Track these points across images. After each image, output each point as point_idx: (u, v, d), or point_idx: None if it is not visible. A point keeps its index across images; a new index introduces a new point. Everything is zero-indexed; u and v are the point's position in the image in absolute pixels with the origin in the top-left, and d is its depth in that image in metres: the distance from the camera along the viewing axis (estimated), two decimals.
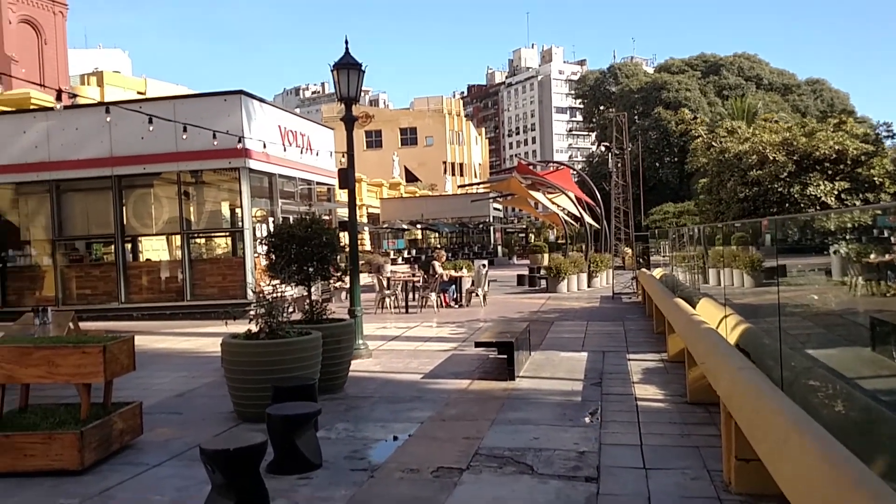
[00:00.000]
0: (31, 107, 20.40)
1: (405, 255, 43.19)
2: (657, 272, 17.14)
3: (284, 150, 18.38)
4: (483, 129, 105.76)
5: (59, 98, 11.52)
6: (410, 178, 69.07)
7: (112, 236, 17.54)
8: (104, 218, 17.64)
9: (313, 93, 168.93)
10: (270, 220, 18.04)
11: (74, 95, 14.62)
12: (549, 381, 8.84)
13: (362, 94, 11.41)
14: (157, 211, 18.50)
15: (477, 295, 18.95)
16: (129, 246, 18.21)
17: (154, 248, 19.93)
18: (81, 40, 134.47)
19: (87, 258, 18.52)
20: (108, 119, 15.03)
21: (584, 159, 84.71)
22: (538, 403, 7.67)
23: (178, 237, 17.59)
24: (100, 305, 17.21)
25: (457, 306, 18.58)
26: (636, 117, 64.15)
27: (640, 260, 22.23)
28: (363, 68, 10.89)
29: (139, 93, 61.74)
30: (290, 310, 8.00)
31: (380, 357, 11.00)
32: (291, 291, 9.18)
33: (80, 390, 6.07)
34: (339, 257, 9.40)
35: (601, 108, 72.62)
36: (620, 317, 15.49)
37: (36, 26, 52.65)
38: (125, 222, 17.66)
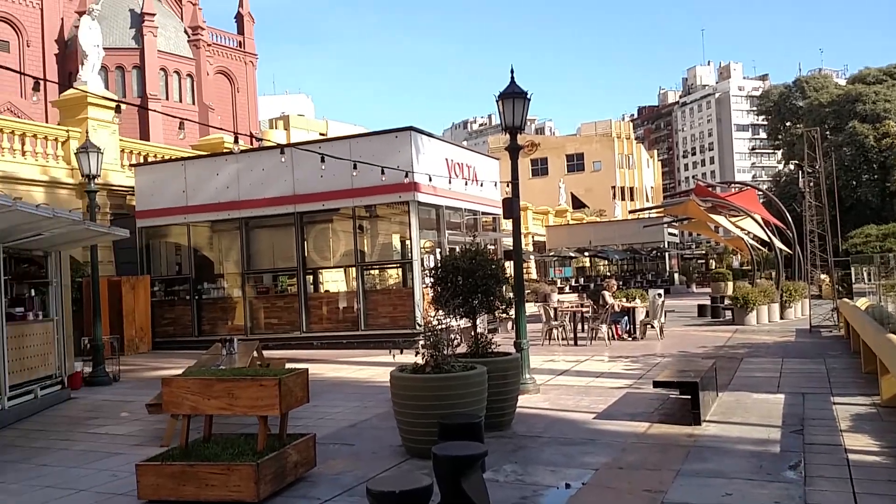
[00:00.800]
0: (224, 150, 22.26)
1: (573, 283, 42.32)
2: (862, 302, 15.28)
3: (451, 182, 18.61)
4: (655, 152, 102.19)
5: (235, 141, 12.37)
6: (577, 204, 68.03)
7: (295, 269, 18.57)
8: (288, 252, 18.74)
9: (480, 125, 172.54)
10: (437, 250, 18.27)
11: (260, 139, 15.70)
12: (740, 426, 7.97)
13: (528, 122, 11.19)
14: (334, 244, 19.40)
15: (652, 327, 17.94)
16: (310, 278, 19.20)
17: (332, 280, 20.91)
18: (270, 87, 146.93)
19: (272, 290, 19.74)
20: (283, 159, 15.99)
21: (770, 179, 79.11)
22: (729, 453, 6.90)
23: (354, 269, 18.28)
24: (283, 335, 18.21)
25: (630, 339, 17.68)
26: (827, 133, 58.93)
27: (841, 288, 20.03)
28: (528, 96, 10.68)
29: (321, 134, 65.98)
30: (456, 342, 7.84)
31: (548, 393, 10.57)
32: (457, 323, 9.05)
33: (258, 422, 6.25)
34: (504, 288, 9.16)
35: (787, 124, 67.56)
36: (821, 353, 13.92)
37: (230, 76, 58.18)
38: (306, 256, 18.65)
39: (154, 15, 48.78)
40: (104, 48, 24.39)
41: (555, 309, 18.79)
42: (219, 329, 18.95)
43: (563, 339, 17.76)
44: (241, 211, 18.72)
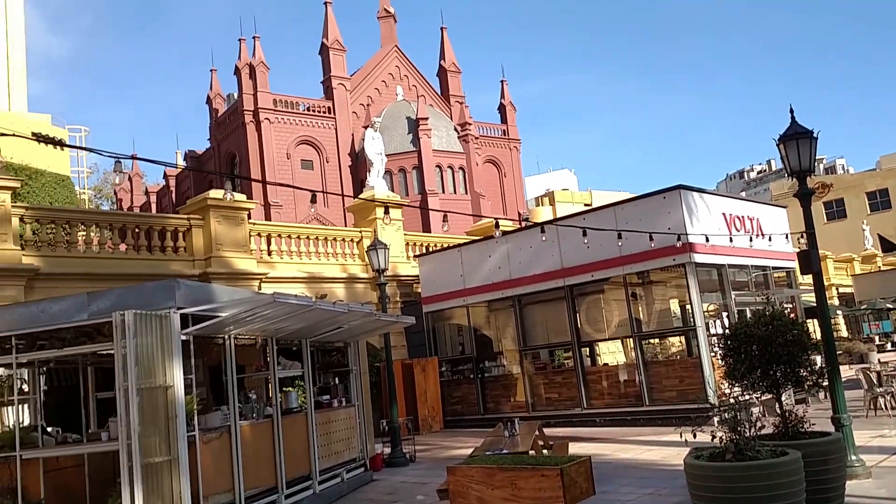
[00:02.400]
0: (494, 233, 23.10)
1: (895, 339, 36.28)
2: None
3: (731, 238, 17.17)
4: None
5: (496, 226, 12.65)
6: (888, 247, 59.11)
7: (570, 343, 18.30)
8: (561, 326, 18.58)
9: (759, 172, 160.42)
10: (724, 314, 16.78)
11: (526, 219, 16.00)
12: None
13: (816, 163, 9.90)
14: (607, 315, 18.83)
15: None
16: (585, 351, 18.77)
17: (609, 352, 20.21)
18: (534, 167, 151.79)
19: (549, 365, 19.63)
20: (544, 238, 16.08)
21: None
22: None
23: (631, 339, 17.50)
24: (564, 411, 17.87)
25: None
26: None
27: None
28: (814, 135, 9.49)
29: (586, 205, 66.00)
30: (760, 424, 6.85)
31: (883, 477, 8.82)
32: (757, 396, 7.99)
33: None
34: (811, 356, 7.93)
35: None
36: None
37: (496, 163, 61.30)
38: (579, 328, 18.31)
39: (427, 119, 53.55)
40: (386, 154, 27.16)
41: (877, 372, 16.08)
42: (502, 406, 19.21)
43: (892, 408, 15.04)
44: (514, 289, 19.07)
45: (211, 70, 59.49)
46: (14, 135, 6.65)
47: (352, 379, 12.87)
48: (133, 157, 7.23)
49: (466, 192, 55.09)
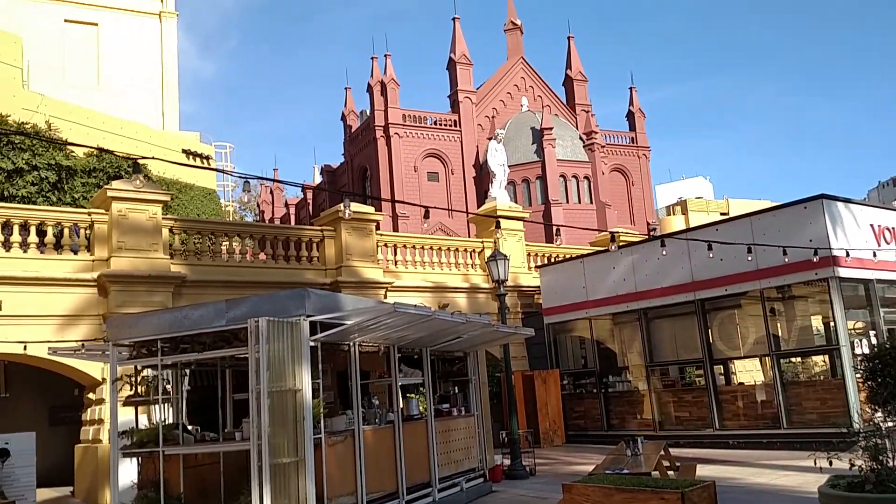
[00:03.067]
0: (620, 244, 22.56)
1: None
2: None
3: (875, 252, 15.86)
4: None
5: (612, 240, 12.33)
6: None
7: (700, 360, 17.51)
8: (691, 342, 17.83)
9: None
10: (872, 333, 15.50)
11: (654, 229, 15.54)
12: None
13: None
14: (743, 331, 17.87)
15: None
16: (718, 369, 17.89)
17: (745, 370, 19.15)
18: (665, 175, 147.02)
19: (678, 382, 18.87)
20: (664, 252, 15.51)
21: None
22: None
23: (768, 358, 16.51)
24: (694, 431, 17.11)
25: None
26: None
27: None
28: None
29: (721, 213, 63.09)
30: None
31: None
32: None
33: None
34: None
35: None
36: None
37: (624, 172, 59.83)
38: (712, 345, 17.49)
39: (552, 128, 53.22)
40: (510, 165, 27.26)
41: None
42: (627, 423, 18.66)
43: None
44: (640, 302, 18.52)
45: (346, 88, 62.11)
46: (165, 160, 7.24)
47: (471, 388, 12.96)
48: (260, 178, 7.71)
49: (591, 202, 54.18)
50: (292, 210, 70.46)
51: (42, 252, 14.56)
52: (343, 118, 61.02)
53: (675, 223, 56.14)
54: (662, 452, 10.76)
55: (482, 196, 50.56)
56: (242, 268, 17.00)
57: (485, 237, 22.20)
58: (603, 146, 57.48)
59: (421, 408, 11.40)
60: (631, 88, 61.83)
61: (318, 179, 68.87)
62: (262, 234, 17.99)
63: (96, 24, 29.75)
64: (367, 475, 8.94)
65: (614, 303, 19.19)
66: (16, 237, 14.28)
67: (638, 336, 18.93)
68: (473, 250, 21.92)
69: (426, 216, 11.46)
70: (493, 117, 56.06)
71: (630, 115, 61.76)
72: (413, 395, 11.87)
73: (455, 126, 54.40)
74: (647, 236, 21.79)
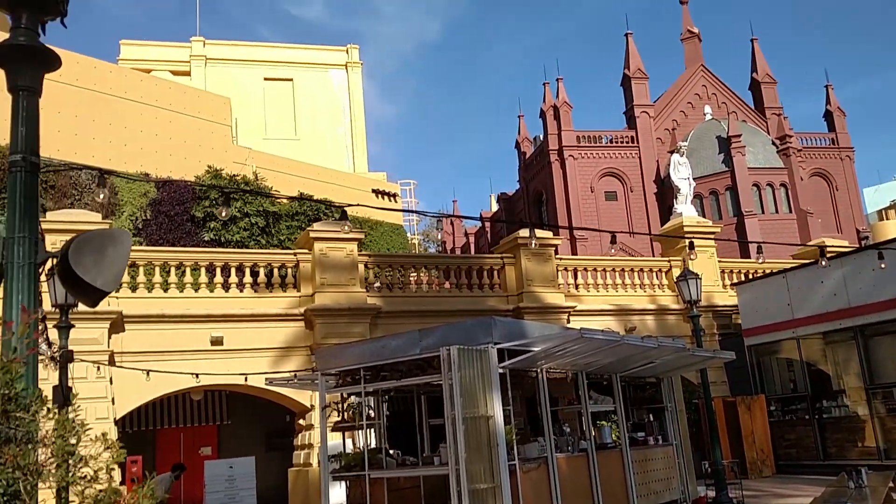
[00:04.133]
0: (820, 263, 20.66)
1: None
2: None
3: None
4: None
5: (822, 255, 11.30)
6: None
7: None
8: None
9: None
10: None
11: (865, 237, 14.12)
12: None
13: None
14: None
15: None
16: None
17: None
18: (874, 177, 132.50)
19: None
20: (883, 266, 13.93)
21: None
22: None
23: None
24: None
25: None
26: None
27: None
28: None
29: None
30: None
31: None
32: None
33: None
34: None
35: None
36: None
37: (826, 176, 54.86)
38: None
39: (740, 136, 50.17)
40: (694, 178, 26.04)
41: None
42: (847, 452, 16.90)
43: None
44: (855, 318, 16.79)
45: (518, 116, 62.98)
46: (360, 204, 7.78)
47: (667, 416, 12.43)
48: (440, 215, 7.99)
49: (790, 211, 50.15)
50: (472, 239, 72.16)
51: (256, 291, 16.09)
52: (517, 146, 61.78)
53: (892, 229, 50.39)
54: (892, 484, 9.63)
55: (665, 213, 48.67)
56: (429, 297, 17.66)
57: (671, 255, 21.32)
58: (799, 150, 53.18)
59: (614, 436, 11.11)
60: (827, 86, 56.89)
61: (494, 207, 70.08)
62: (447, 265, 18.62)
63: (291, 80, 32.69)
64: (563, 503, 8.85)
65: (825, 320, 17.55)
66: (233, 278, 15.92)
67: (854, 355, 17.14)
68: (660, 269, 21.11)
69: (613, 241, 11.25)
70: (673, 130, 54.01)
71: (828, 115, 56.74)
72: (604, 423, 11.60)
73: (632, 142, 53.05)
74: (858, 246, 19.79)
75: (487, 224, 66.63)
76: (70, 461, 2.83)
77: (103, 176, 7.61)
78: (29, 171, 3.48)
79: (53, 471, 2.78)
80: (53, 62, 3.71)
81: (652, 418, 12.54)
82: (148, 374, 12.32)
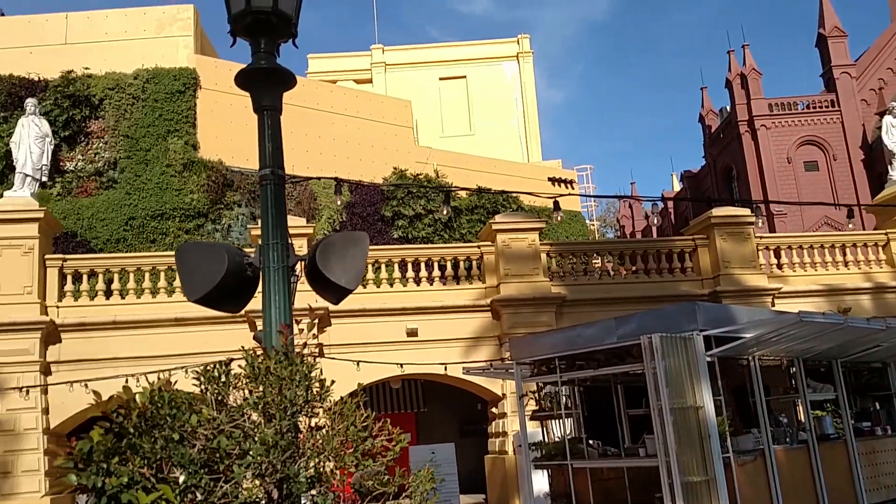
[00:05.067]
0: None
1: None
2: None
3: None
4: None
5: None
6: None
7: None
8: None
9: None
10: None
11: None
12: None
13: None
14: None
15: None
16: None
17: None
18: None
19: None
20: None
21: None
22: None
23: None
24: None
25: None
26: None
27: None
28: None
29: None
30: None
31: None
32: None
33: None
34: None
35: None
36: None
37: None
38: None
39: None
40: None
41: None
42: None
43: None
44: None
45: (701, 88, 59.56)
46: (534, 193, 7.74)
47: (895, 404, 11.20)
48: (619, 197, 7.71)
49: None
50: (653, 221, 69.48)
51: (444, 284, 16.59)
52: (701, 119, 58.46)
53: None
54: None
55: (875, 181, 43.93)
56: (614, 284, 17.21)
57: (888, 227, 19.16)
58: None
59: (835, 426, 10.19)
60: None
61: (677, 187, 66.92)
62: (632, 250, 18.05)
63: (464, 77, 33.31)
64: (784, 499, 8.25)
65: None
66: (423, 273, 16.53)
67: None
68: (875, 244, 19.04)
69: (850, 215, 10.28)
70: (880, 90, 48.49)
71: None
72: (822, 413, 10.68)
73: (832, 107, 48.30)
74: None
75: (670, 205, 63.86)
76: (360, 447, 3.09)
77: (339, 185, 8.21)
78: (277, 184, 3.82)
79: (349, 454, 3.05)
80: (290, 81, 4.03)
81: (878, 406, 11.36)
82: (358, 364, 13.08)
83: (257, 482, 2.97)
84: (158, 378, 3.15)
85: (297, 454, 2.96)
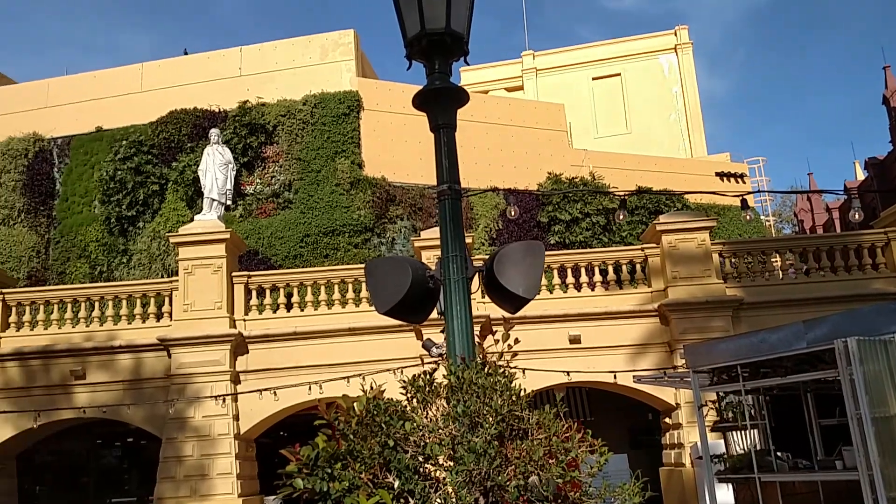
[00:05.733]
0: None
1: None
2: None
3: None
4: None
5: None
6: None
7: None
8: None
9: None
10: None
11: None
12: None
13: None
14: None
15: None
16: None
17: None
18: None
19: None
20: None
21: None
22: None
23: None
24: None
25: None
26: None
27: None
28: None
29: None
30: None
31: None
32: None
33: None
34: None
35: None
36: None
37: None
38: None
39: None
40: None
41: None
42: None
43: None
44: None
45: (883, 68, 54.16)
46: (698, 191, 7.32)
47: None
48: (796, 192, 7.10)
49: None
50: (835, 214, 63.89)
51: (607, 289, 16.18)
52: (885, 101, 53.06)
53: None
54: None
55: None
56: (796, 285, 15.98)
57: None
58: None
59: None
60: None
61: (861, 176, 61.16)
62: (815, 246, 16.67)
63: (618, 75, 32.49)
64: None
65: None
66: (584, 278, 16.22)
67: None
68: None
69: None
70: None
71: None
72: None
73: None
74: None
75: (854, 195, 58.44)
76: (564, 459, 3.09)
77: (508, 196, 8.29)
78: (454, 198, 3.92)
79: (554, 465, 3.06)
80: (464, 98, 4.13)
81: None
82: (524, 371, 13.05)
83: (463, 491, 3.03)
84: (371, 387, 3.30)
85: (504, 463, 2.99)
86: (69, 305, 16.08)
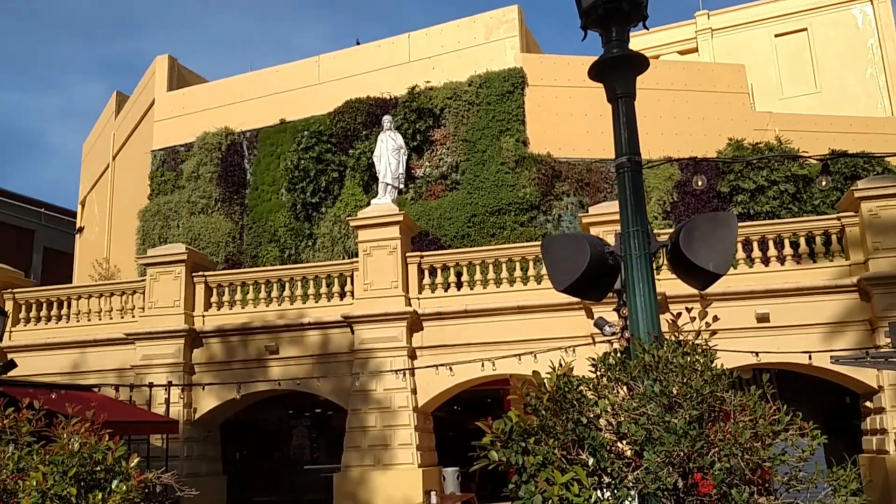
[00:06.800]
0: None
1: None
2: None
3: None
4: None
5: None
6: None
7: None
8: None
9: None
10: None
11: None
12: None
13: None
14: None
15: None
16: None
17: None
18: None
19: None
20: None
21: None
22: None
23: None
24: None
25: None
26: None
27: None
28: None
29: None
30: None
31: None
32: None
33: None
34: None
35: None
36: None
37: None
38: None
39: None
40: None
41: None
42: None
43: None
44: None
45: None
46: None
47: None
48: None
49: None
50: None
51: (798, 263, 14.95)
52: None
53: None
54: None
55: None
56: None
57: None
58: None
59: None
60: None
61: None
62: None
63: (805, 30, 29.71)
64: None
65: None
66: (772, 251, 15.08)
67: None
68: None
69: None
70: None
71: None
72: None
73: None
74: None
75: None
76: (771, 443, 2.93)
77: (695, 166, 7.96)
78: (634, 171, 3.74)
79: (763, 448, 2.92)
80: (643, 64, 3.93)
81: None
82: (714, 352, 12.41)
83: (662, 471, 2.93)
84: (560, 363, 3.27)
85: (707, 445, 2.87)
86: (262, 286, 17.44)
